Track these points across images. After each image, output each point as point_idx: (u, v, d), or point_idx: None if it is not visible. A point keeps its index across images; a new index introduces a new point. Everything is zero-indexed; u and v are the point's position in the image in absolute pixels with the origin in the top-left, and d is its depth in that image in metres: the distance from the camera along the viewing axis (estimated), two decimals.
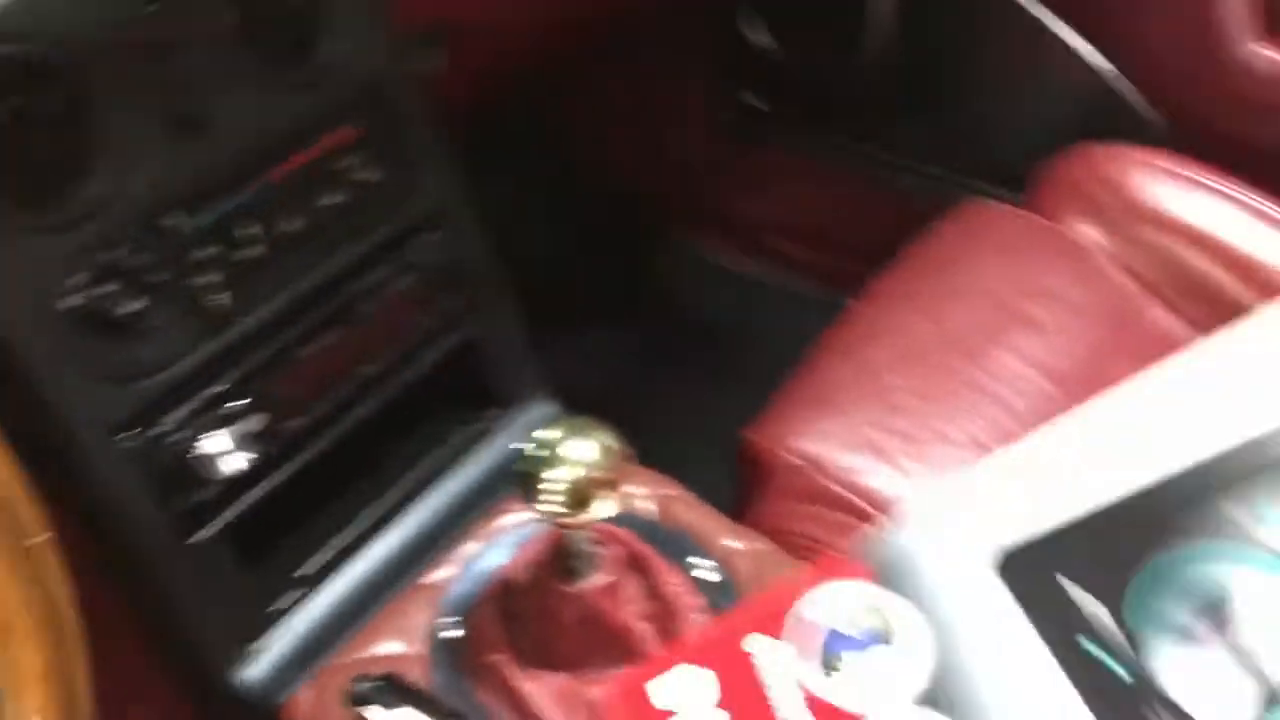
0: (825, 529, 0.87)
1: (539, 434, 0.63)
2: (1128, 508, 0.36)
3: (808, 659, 0.39)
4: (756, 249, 1.25)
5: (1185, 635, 0.33)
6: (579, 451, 0.62)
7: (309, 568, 0.72)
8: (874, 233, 1.05)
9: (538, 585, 0.69)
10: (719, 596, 0.75)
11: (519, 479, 0.63)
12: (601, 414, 0.65)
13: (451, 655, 0.71)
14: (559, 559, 0.68)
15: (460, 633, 0.72)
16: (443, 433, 0.79)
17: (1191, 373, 0.39)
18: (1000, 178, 1.13)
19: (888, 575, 0.39)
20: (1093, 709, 0.34)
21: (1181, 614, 0.33)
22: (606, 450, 0.63)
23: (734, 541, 0.78)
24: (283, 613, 0.70)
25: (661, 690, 0.42)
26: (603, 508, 0.63)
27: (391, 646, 0.70)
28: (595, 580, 0.68)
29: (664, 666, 0.42)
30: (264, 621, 0.69)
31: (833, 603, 0.39)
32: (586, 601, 0.68)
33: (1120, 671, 0.34)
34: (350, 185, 0.70)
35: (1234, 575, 0.33)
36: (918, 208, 1.06)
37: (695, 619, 0.72)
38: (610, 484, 0.63)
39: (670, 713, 0.41)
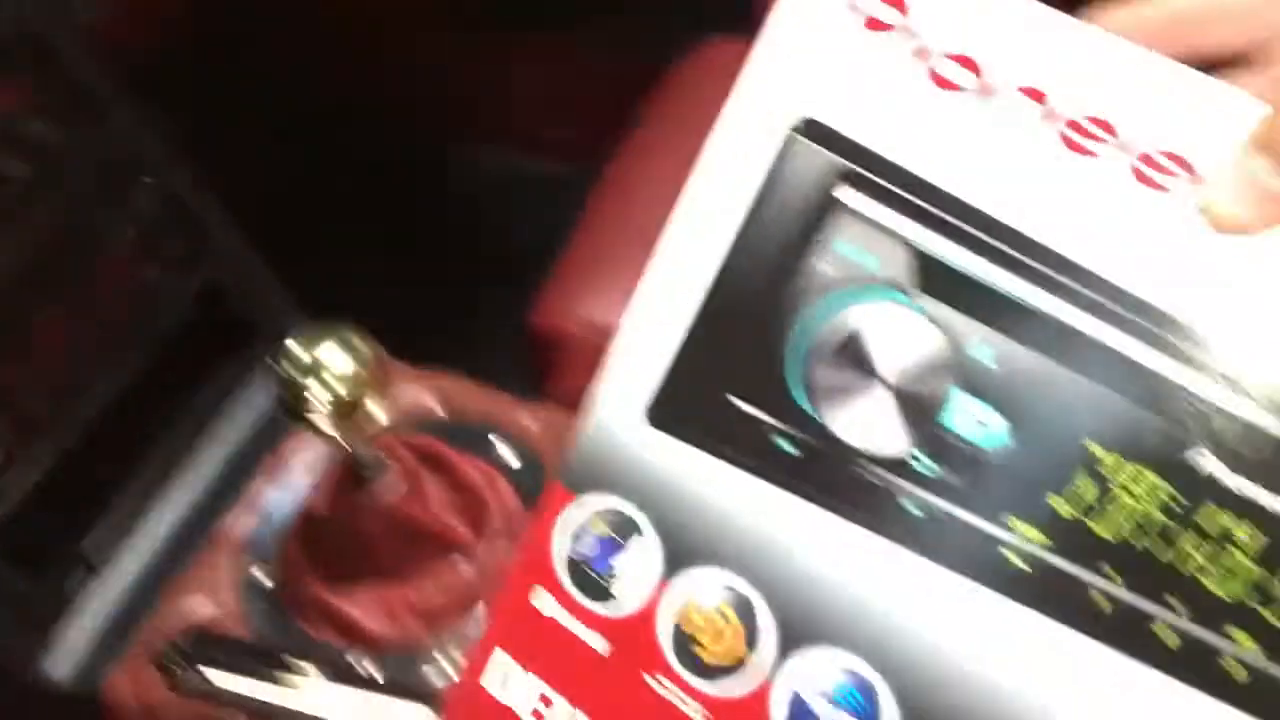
0: None
1: (291, 348, 0.60)
2: (722, 302, 0.37)
3: (579, 591, 0.40)
4: (509, 138, 1.24)
5: (845, 392, 0.35)
6: (335, 359, 0.61)
7: (95, 548, 0.69)
8: (623, 95, 1.05)
9: (337, 507, 0.68)
10: (524, 475, 0.74)
11: (282, 403, 0.61)
12: (379, 330, 0.63)
13: (265, 600, 0.69)
14: (351, 475, 0.67)
15: (270, 576, 0.70)
16: (209, 379, 0.76)
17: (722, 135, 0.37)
18: (731, 14, 1.13)
19: (593, 475, 0.39)
20: (809, 497, 0.36)
21: (833, 376, 0.35)
22: (363, 353, 0.61)
23: (530, 419, 0.77)
24: (76, 599, 0.67)
25: (496, 682, 0.42)
26: (374, 412, 0.62)
27: (201, 605, 0.68)
28: (393, 487, 0.67)
29: (485, 658, 0.42)
30: (57, 612, 0.66)
31: (572, 529, 0.40)
32: (389, 510, 0.67)
33: (809, 454, 0.36)
34: (32, 151, 0.66)
35: (852, 318, 0.35)
36: (654, 60, 1.05)
37: (504, 503, 0.72)
38: (376, 385, 0.62)
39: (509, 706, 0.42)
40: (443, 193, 1.10)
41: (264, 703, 0.61)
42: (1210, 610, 0.32)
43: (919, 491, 0.34)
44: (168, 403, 0.73)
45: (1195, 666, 0.33)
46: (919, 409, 0.34)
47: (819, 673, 0.36)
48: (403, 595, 0.68)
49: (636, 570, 0.38)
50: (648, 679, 0.39)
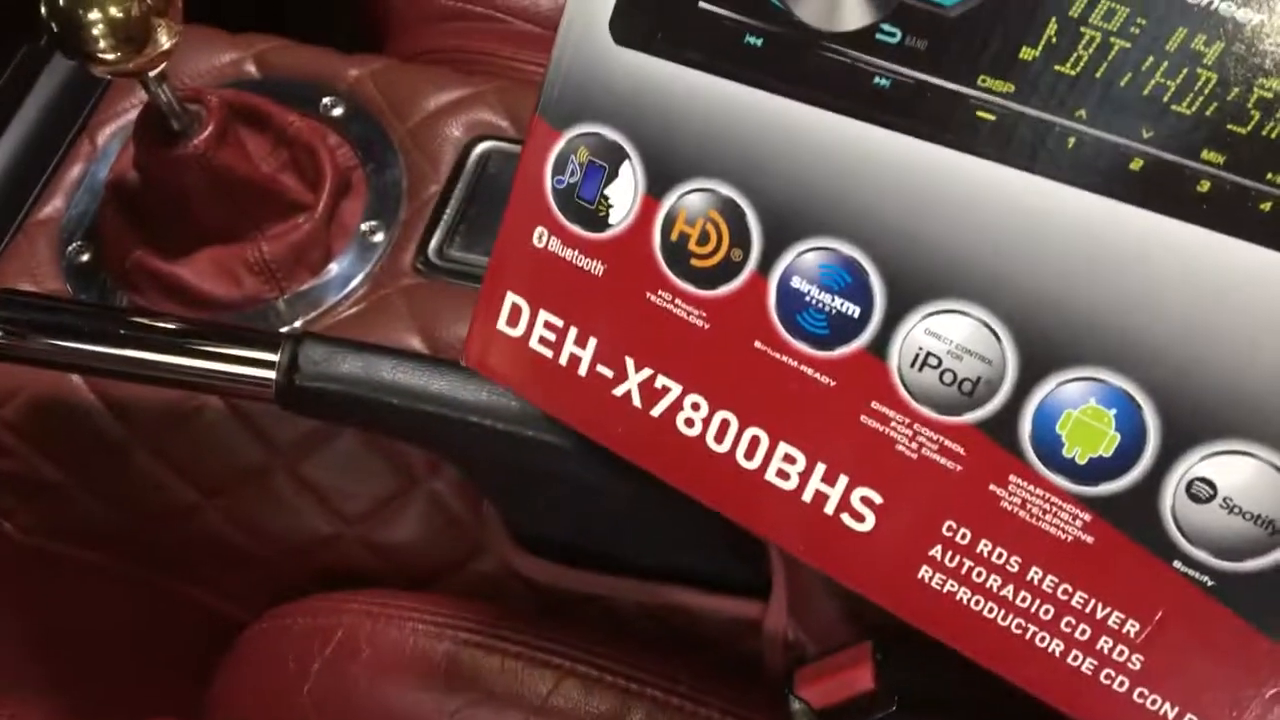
0: (465, 39, 0.82)
1: None
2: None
3: (574, 222, 0.41)
4: None
5: None
6: None
7: None
8: None
9: (148, 165, 0.62)
10: (354, 127, 0.69)
11: (59, 42, 0.55)
12: None
13: (89, 277, 0.65)
14: (159, 127, 0.61)
15: (91, 252, 0.65)
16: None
17: None
18: None
19: (572, 105, 0.40)
20: (782, 91, 0.37)
21: None
22: None
23: (355, 69, 0.72)
24: None
25: (510, 323, 0.44)
26: (165, 40, 0.56)
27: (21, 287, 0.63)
28: (207, 134, 0.61)
29: (497, 303, 0.44)
30: None
31: (557, 161, 0.41)
32: (204, 162, 0.61)
33: (777, 45, 0.37)
34: None
35: None
36: None
37: (337, 157, 0.67)
38: (159, 10, 0.56)
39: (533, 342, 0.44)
40: None
41: (100, 354, 0.56)
42: (1180, 133, 0.32)
43: (886, 62, 0.34)
44: None
45: (1163, 188, 0.32)
46: None
47: (806, 262, 0.37)
48: (239, 254, 0.64)
49: (626, 194, 0.39)
50: (648, 295, 0.40)
